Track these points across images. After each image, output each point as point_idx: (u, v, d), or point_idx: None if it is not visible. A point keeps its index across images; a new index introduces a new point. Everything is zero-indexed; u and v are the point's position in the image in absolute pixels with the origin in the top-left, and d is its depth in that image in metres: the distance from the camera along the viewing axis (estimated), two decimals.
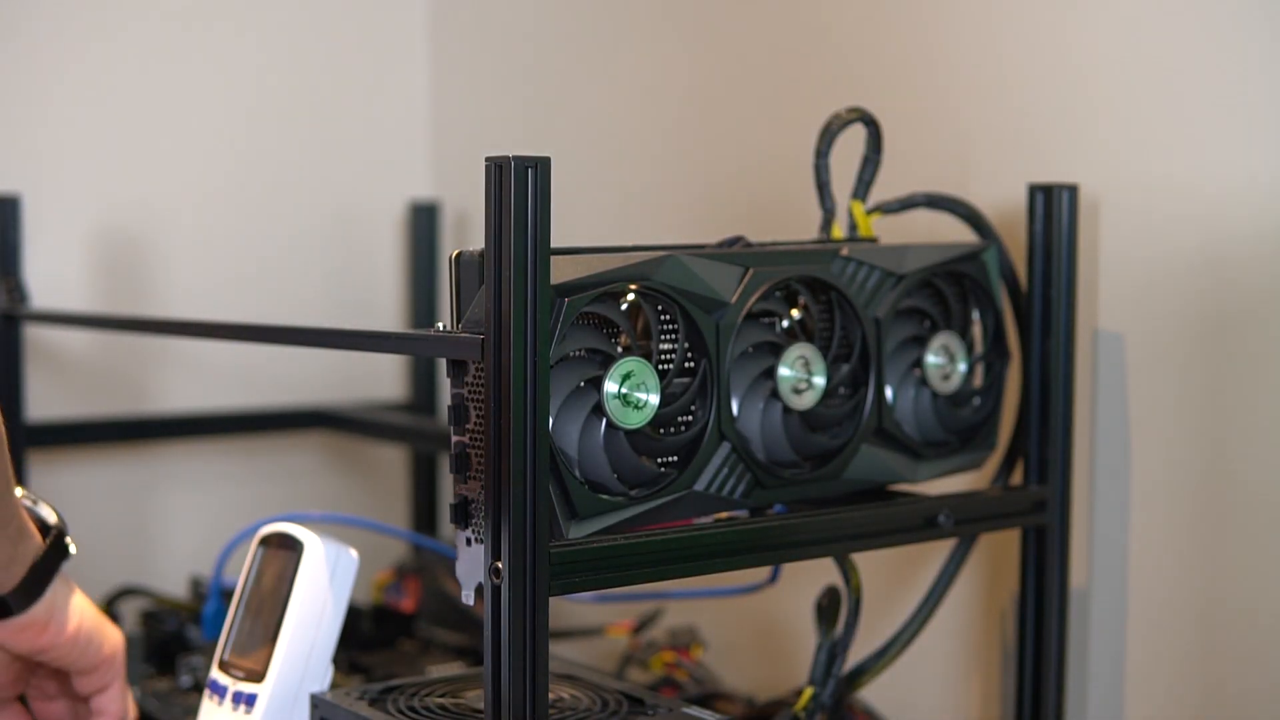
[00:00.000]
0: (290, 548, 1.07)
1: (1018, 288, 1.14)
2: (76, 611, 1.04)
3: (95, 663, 1.06)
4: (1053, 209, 1.10)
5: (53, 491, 1.57)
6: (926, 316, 1.09)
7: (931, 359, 1.09)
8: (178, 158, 1.66)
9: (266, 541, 1.09)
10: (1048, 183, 1.11)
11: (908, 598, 1.25)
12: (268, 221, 1.72)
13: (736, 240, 1.02)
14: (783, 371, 1.01)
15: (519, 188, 0.85)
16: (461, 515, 0.90)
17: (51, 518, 1.05)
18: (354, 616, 1.39)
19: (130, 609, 1.51)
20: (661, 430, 0.95)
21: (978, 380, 1.12)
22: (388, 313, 1.80)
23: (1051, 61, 1.19)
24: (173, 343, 1.65)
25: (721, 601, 1.41)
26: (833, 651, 1.07)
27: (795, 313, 1.02)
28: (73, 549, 1.05)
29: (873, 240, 1.10)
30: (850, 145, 1.11)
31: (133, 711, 1.11)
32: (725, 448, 0.98)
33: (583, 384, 0.92)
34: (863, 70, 1.32)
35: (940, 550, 1.16)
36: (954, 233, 1.17)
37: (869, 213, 1.11)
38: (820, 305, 1.03)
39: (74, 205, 1.60)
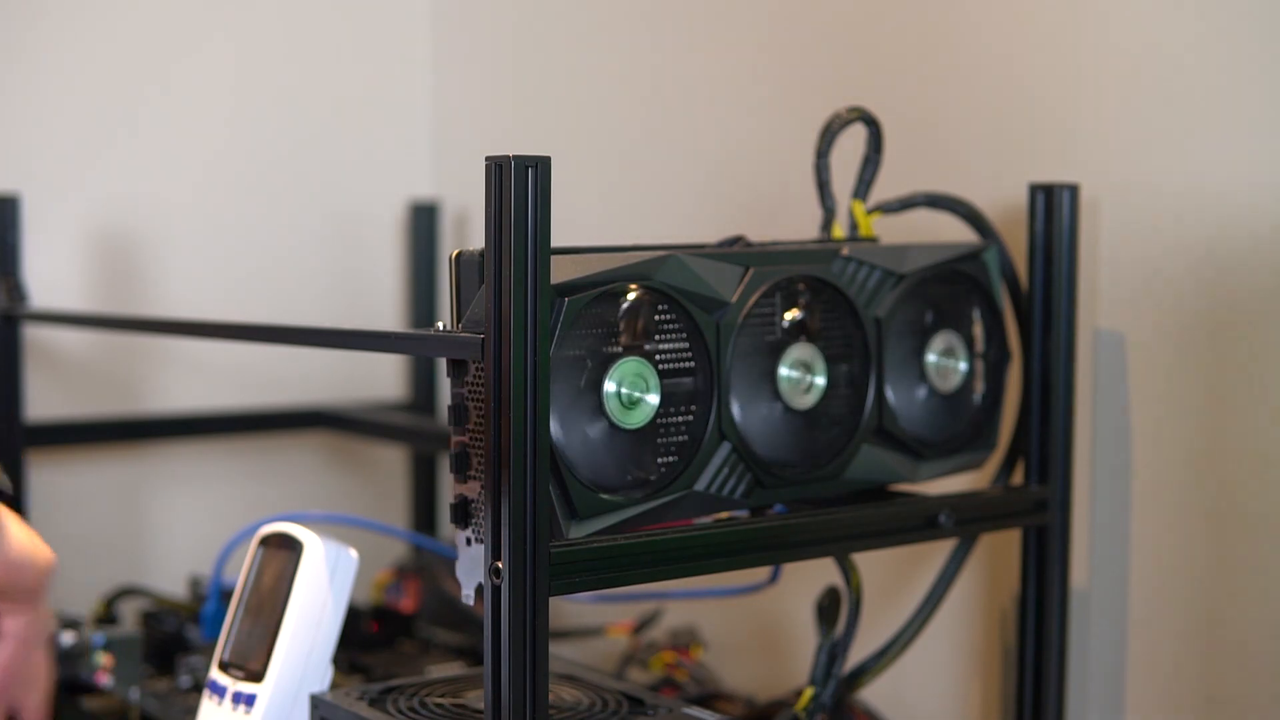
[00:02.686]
0: (290, 548, 1.07)
1: (1018, 287, 1.13)
2: (7, 540, 1.03)
3: (23, 589, 1.04)
4: (1053, 209, 1.10)
5: (53, 491, 1.57)
6: (927, 316, 1.09)
7: (932, 359, 1.09)
8: (178, 157, 1.66)
9: (266, 541, 1.09)
10: (1048, 183, 1.11)
11: (908, 598, 1.25)
12: (267, 221, 1.72)
13: (736, 240, 1.02)
14: (783, 371, 1.01)
15: (519, 187, 0.85)
16: (461, 515, 0.90)
17: None
18: (354, 616, 1.39)
19: (130, 609, 1.51)
20: (661, 430, 0.95)
21: (978, 380, 1.12)
22: (388, 313, 1.80)
23: (1052, 62, 1.19)
24: (172, 343, 1.65)
25: (721, 601, 1.41)
26: (833, 651, 1.07)
27: (795, 313, 1.02)
28: (8, 489, 1.03)
29: (873, 240, 1.10)
30: (850, 145, 1.11)
31: (44, 637, 1.08)
32: (725, 448, 0.98)
33: (583, 384, 0.92)
34: (863, 70, 1.32)
35: (940, 550, 1.16)
36: (954, 233, 1.17)
37: (869, 212, 1.11)
38: (821, 305, 1.03)
39: (74, 205, 1.60)
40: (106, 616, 1.48)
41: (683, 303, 0.95)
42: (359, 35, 1.78)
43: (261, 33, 1.71)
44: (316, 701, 1.04)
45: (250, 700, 1.04)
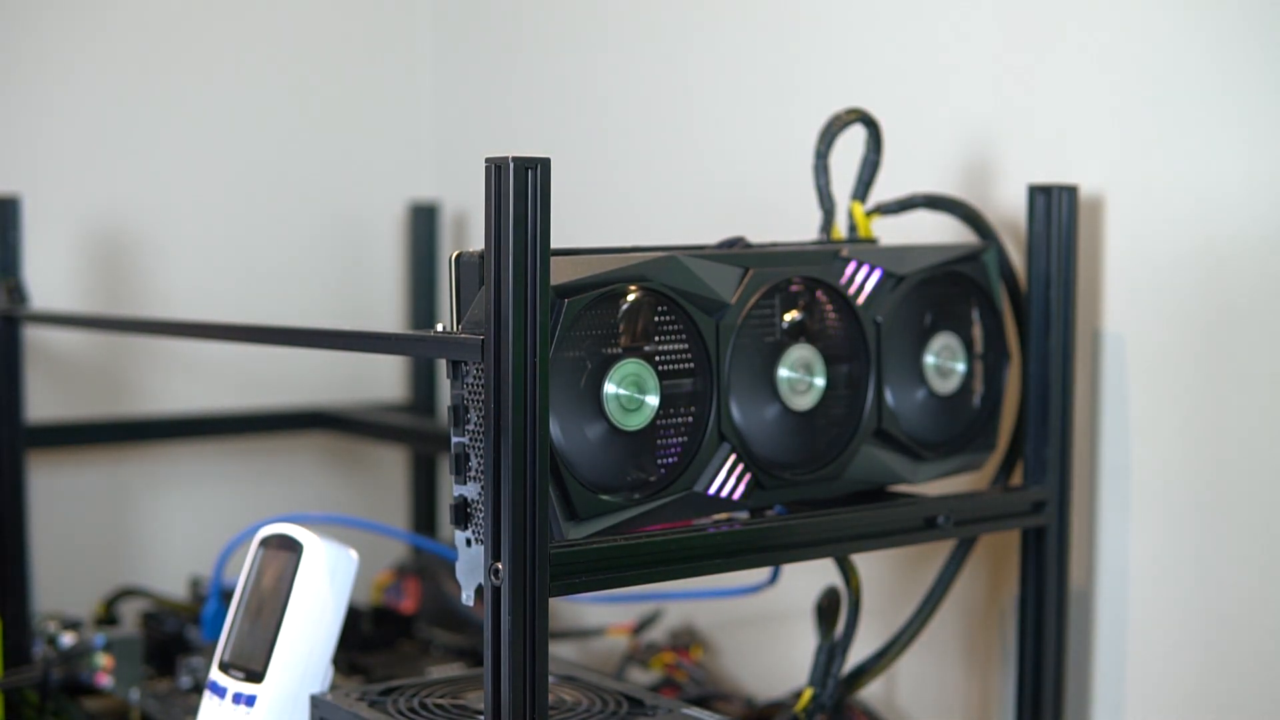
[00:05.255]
0: (290, 549, 1.07)
1: (1018, 288, 1.14)
2: None
3: None
4: (1053, 209, 1.10)
5: (53, 492, 1.57)
6: (926, 317, 1.09)
7: (931, 360, 1.09)
8: (178, 158, 1.66)
9: (266, 542, 1.09)
10: (1048, 183, 1.11)
11: (908, 598, 1.25)
12: (268, 222, 1.72)
13: (736, 241, 1.02)
14: (783, 372, 1.01)
15: (519, 188, 0.85)
16: (461, 516, 0.90)
17: None
18: (354, 617, 1.39)
19: (130, 609, 1.51)
20: (661, 431, 0.95)
21: (977, 381, 1.12)
22: (388, 313, 1.80)
23: (1052, 62, 1.19)
24: (172, 343, 1.65)
25: (721, 602, 1.41)
26: (833, 652, 1.07)
27: (795, 313, 1.02)
28: None
29: (872, 241, 1.10)
30: (850, 145, 1.11)
31: None
32: (725, 448, 0.98)
33: (582, 385, 0.92)
34: (863, 70, 1.32)
35: (940, 551, 1.16)
36: (954, 233, 1.17)
37: (869, 213, 1.11)
38: (820, 306, 1.03)
39: (74, 205, 1.60)
40: (107, 617, 1.48)
41: (682, 304, 0.95)
42: (360, 36, 1.78)
43: (262, 33, 1.71)
44: (316, 702, 1.04)
45: (250, 701, 1.04)
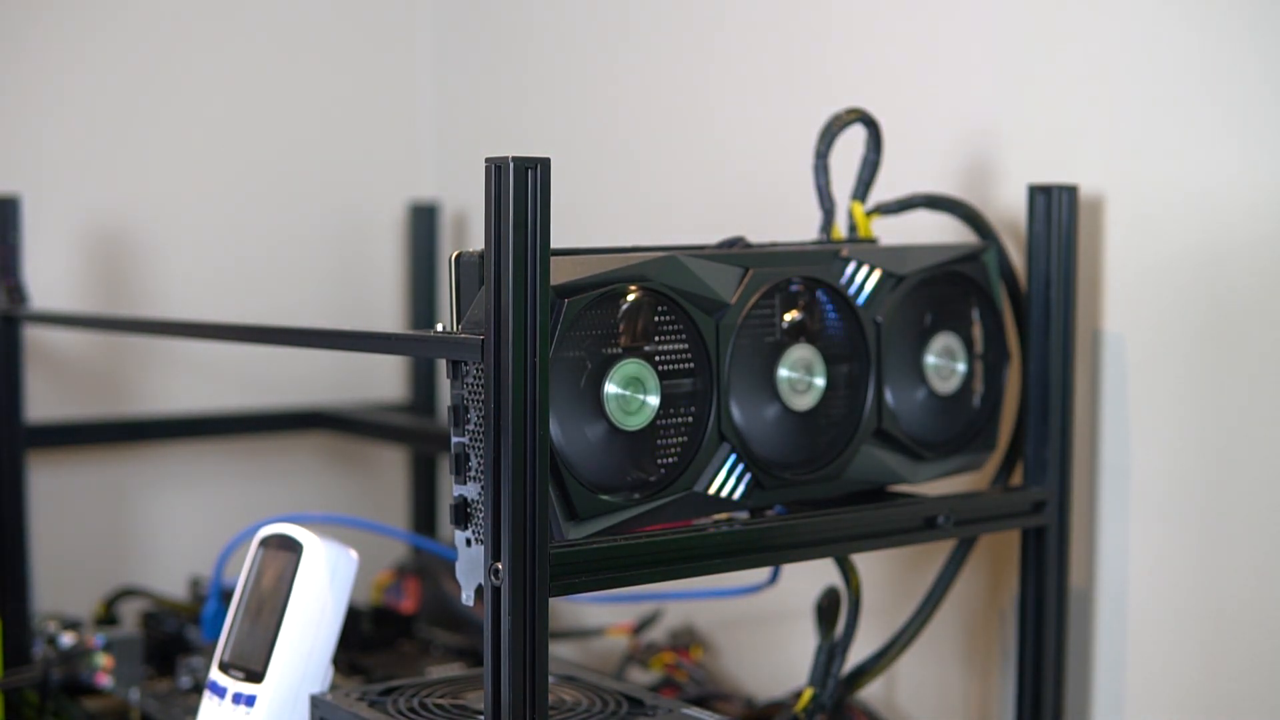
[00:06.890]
0: (290, 549, 1.07)
1: (1018, 288, 1.14)
2: None
3: None
4: (1053, 209, 1.10)
5: (53, 492, 1.57)
6: (926, 317, 1.09)
7: (931, 360, 1.09)
8: (178, 158, 1.66)
9: (266, 542, 1.09)
10: (1048, 183, 1.11)
11: (908, 598, 1.25)
12: (268, 222, 1.72)
13: (736, 241, 1.02)
14: (783, 372, 1.01)
15: (519, 188, 0.85)
16: (461, 516, 0.90)
17: None
18: (354, 617, 1.39)
19: (130, 609, 1.51)
20: (661, 431, 0.95)
21: (977, 381, 1.12)
22: (388, 313, 1.80)
23: (1052, 61, 1.19)
24: (172, 343, 1.65)
25: (721, 602, 1.41)
26: (832, 652, 1.07)
27: (795, 313, 1.02)
28: None
29: (872, 241, 1.10)
30: (851, 145, 1.11)
31: None
32: (725, 448, 0.98)
33: (582, 385, 0.92)
34: (863, 70, 1.32)
35: (940, 551, 1.16)
36: (954, 233, 1.17)
37: (869, 213, 1.11)
38: (820, 306, 1.03)
39: (74, 205, 1.60)
40: (107, 617, 1.48)
41: (682, 304, 0.95)
42: (359, 35, 1.78)
43: (261, 33, 1.71)
44: (316, 702, 1.04)
45: (250, 701, 1.04)
